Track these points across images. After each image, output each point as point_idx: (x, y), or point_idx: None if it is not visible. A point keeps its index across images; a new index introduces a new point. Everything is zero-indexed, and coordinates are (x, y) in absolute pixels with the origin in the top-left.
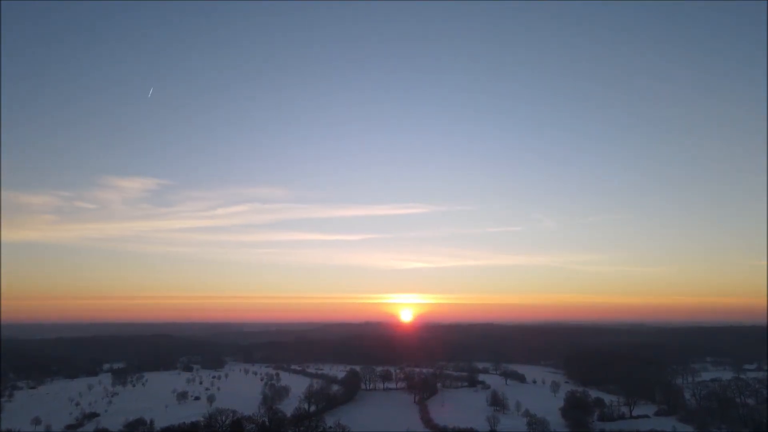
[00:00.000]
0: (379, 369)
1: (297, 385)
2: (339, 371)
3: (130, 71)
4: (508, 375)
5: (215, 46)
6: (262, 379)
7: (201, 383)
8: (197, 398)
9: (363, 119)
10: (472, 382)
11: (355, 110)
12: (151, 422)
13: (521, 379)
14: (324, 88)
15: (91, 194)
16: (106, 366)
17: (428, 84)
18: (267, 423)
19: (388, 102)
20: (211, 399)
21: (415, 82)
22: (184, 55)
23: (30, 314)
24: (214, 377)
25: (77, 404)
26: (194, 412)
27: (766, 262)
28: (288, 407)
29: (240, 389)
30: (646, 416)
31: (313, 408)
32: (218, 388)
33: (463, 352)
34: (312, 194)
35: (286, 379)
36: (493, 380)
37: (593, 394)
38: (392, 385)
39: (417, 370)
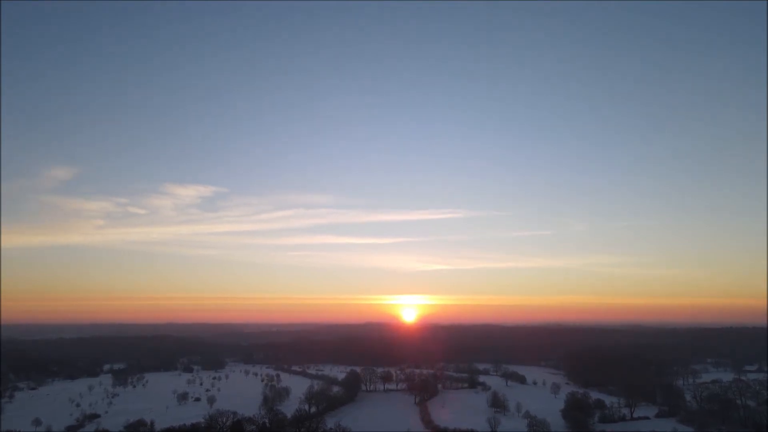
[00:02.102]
0: (379, 370)
1: (297, 386)
2: (339, 372)
3: (198, 85)
4: (508, 376)
5: (268, 61)
6: (262, 380)
7: (201, 384)
8: (198, 399)
9: (405, 130)
10: (473, 384)
11: (398, 123)
12: (152, 423)
13: (522, 380)
14: (367, 102)
15: (146, 201)
16: (107, 367)
17: (462, 94)
18: (267, 424)
19: (424, 114)
20: (211, 400)
21: (449, 92)
22: (246, 72)
23: (30, 315)
24: (214, 378)
25: (78, 405)
26: (195, 413)
27: (766, 263)
28: (288, 408)
29: (240, 390)
30: (647, 418)
31: (313, 409)
32: (219, 389)
33: (464, 353)
34: (353, 200)
35: (287, 380)
36: (494, 381)
37: (594, 395)
38: (393, 386)
39: (417, 371)
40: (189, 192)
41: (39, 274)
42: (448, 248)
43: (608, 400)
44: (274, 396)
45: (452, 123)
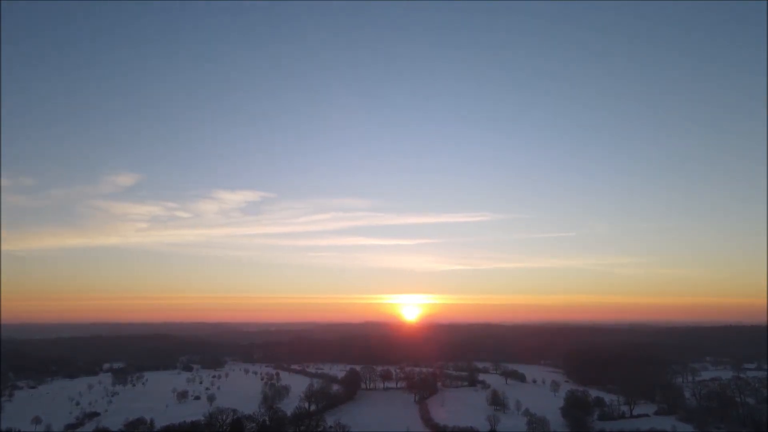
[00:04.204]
0: (379, 368)
1: (297, 385)
2: (339, 371)
3: (255, 98)
4: (508, 374)
5: (315, 72)
6: (262, 379)
7: (201, 383)
8: (197, 398)
9: (437, 140)
10: (472, 382)
11: (426, 128)
12: (152, 421)
13: (521, 378)
14: (402, 113)
15: (193, 205)
16: (106, 366)
17: (488, 101)
18: (267, 422)
19: (452, 120)
20: (211, 398)
21: (473, 97)
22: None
23: (31, 315)
24: (214, 377)
25: (77, 404)
26: (194, 412)
27: (766, 262)
28: (288, 406)
29: (240, 389)
30: (646, 415)
31: (313, 407)
32: (218, 388)
33: (464, 352)
34: (388, 204)
35: (286, 378)
36: (493, 380)
37: (593, 393)
38: (392, 385)
39: (417, 369)
40: (236, 197)
41: (56, 275)
42: (470, 249)
43: (608, 398)
44: (273, 394)
45: (482, 129)
